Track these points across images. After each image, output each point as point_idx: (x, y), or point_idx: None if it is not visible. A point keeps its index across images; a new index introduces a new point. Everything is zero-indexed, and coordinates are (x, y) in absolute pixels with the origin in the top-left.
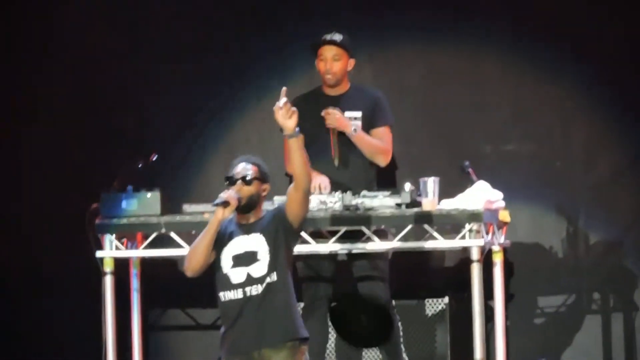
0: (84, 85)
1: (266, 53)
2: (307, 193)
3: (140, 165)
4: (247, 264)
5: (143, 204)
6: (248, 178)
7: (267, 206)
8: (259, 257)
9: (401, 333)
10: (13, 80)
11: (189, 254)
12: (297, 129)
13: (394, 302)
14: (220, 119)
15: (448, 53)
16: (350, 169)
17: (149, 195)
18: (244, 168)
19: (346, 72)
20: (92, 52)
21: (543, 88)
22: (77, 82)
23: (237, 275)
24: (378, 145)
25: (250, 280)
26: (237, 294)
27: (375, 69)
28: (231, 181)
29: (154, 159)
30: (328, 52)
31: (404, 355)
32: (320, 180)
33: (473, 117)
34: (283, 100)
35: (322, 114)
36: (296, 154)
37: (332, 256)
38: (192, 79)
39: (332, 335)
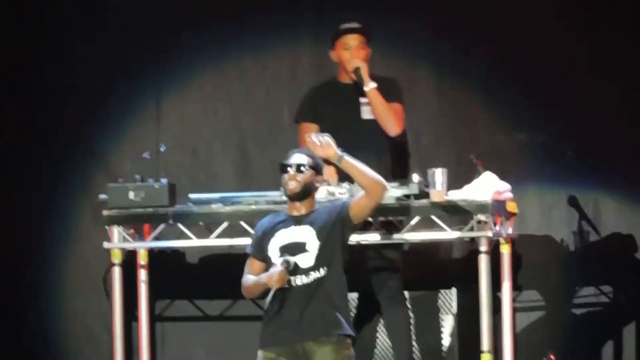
0: (95, 71)
1: (273, 43)
2: (379, 201)
3: (147, 156)
4: (294, 254)
5: (151, 195)
6: (303, 166)
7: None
8: (307, 248)
9: (412, 324)
10: (25, 59)
11: (245, 288)
12: (339, 151)
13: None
14: (229, 110)
15: (458, 41)
16: (365, 158)
17: (156, 186)
18: (298, 157)
19: (367, 60)
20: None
21: (554, 77)
22: (89, 68)
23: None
24: (391, 108)
25: (295, 271)
26: None
27: (385, 58)
28: (284, 169)
29: (162, 149)
30: (352, 40)
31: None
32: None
33: (482, 107)
34: (312, 137)
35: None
36: (354, 171)
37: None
38: (201, 70)
39: None
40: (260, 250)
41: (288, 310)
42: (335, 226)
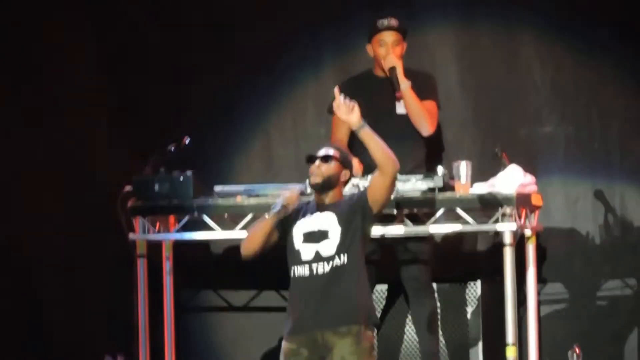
0: (121, 65)
1: (298, 39)
2: (394, 178)
3: (172, 148)
4: (317, 241)
5: (176, 187)
6: (329, 156)
7: None
8: (329, 236)
9: (439, 317)
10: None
11: (246, 237)
12: (363, 120)
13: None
14: (254, 102)
15: (484, 34)
16: (398, 152)
17: (181, 178)
18: (325, 149)
19: (402, 56)
20: (130, 32)
21: (580, 70)
22: (115, 63)
23: (306, 251)
24: (425, 108)
25: (317, 258)
26: (304, 271)
27: (409, 49)
28: (311, 160)
29: (187, 142)
30: (388, 37)
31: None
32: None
33: (508, 100)
34: (340, 98)
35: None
36: (371, 143)
37: (375, 239)
38: (226, 62)
39: None
40: (280, 222)
41: (308, 300)
42: (356, 213)
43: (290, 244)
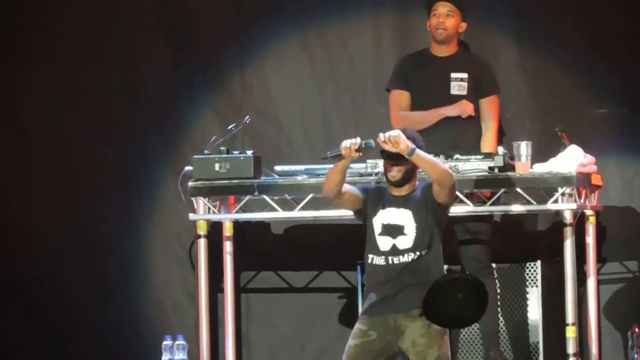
0: (185, 45)
1: (356, 14)
2: (450, 188)
3: (233, 128)
4: (394, 235)
5: (236, 167)
6: (404, 155)
7: None
8: (405, 231)
9: (499, 297)
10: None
11: (327, 175)
12: (412, 145)
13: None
14: (313, 81)
15: (542, 14)
16: (452, 133)
17: (242, 158)
18: (398, 136)
19: (457, 32)
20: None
21: (638, 52)
22: (173, 42)
23: (384, 242)
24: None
25: (394, 251)
26: (381, 261)
27: (467, 31)
28: (388, 156)
29: (247, 121)
30: (442, 7)
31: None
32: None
33: (566, 81)
34: (380, 135)
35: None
36: (424, 164)
37: None
38: (285, 41)
39: None
40: (363, 193)
41: (385, 286)
42: (429, 211)
43: (370, 232)
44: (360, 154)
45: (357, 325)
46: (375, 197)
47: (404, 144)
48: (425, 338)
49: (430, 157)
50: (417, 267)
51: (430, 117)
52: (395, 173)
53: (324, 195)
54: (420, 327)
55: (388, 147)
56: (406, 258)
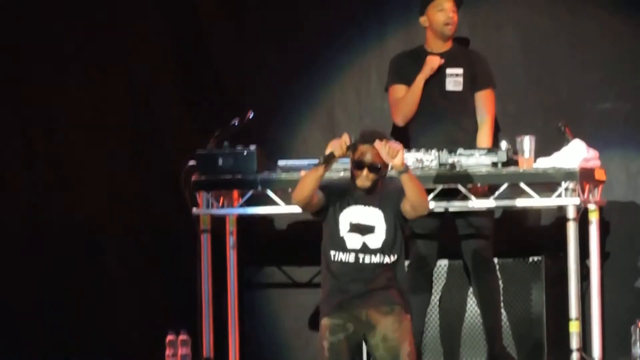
0: (185, 42)
1: (363, 12)
2: (417, 216)
3: (236, 123)
4: (363, 233)
5: (239, 162)
6: (377, 167)
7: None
8: (375, 231)
9: (501, 292)
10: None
11: (298, 184)
12: (406, 164)
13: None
14: (318, 76)
15: (545, 10)
16: (447, 129)
17: (245, 152)
18: (372, 155)
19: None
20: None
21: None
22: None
23: (352, 240)
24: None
25: (365, 249)
26: (349, 258)
27: (471, 26)
28: (359, 166)
29: (250, 116)
30: (447, 3)
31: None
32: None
33: (569, 76)
34: (384, 142)
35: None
36: (409, 187)
37: (437, 214)
38: (289, 36)
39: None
40: (325, 192)
41: (353, 285)
42: (396, 217)
43: (335, 228)
44: (350, 152)
45: (331, 321)
46: (338, 194)
47: (400, 159)
48: (397, 333)
49: (417, 182)
50: (385, 268)
51: (415, 89)
52: (366, 181)
53: (295, 203)
54: (392, 323)
55: (383, 154)
56: (378, 259)
